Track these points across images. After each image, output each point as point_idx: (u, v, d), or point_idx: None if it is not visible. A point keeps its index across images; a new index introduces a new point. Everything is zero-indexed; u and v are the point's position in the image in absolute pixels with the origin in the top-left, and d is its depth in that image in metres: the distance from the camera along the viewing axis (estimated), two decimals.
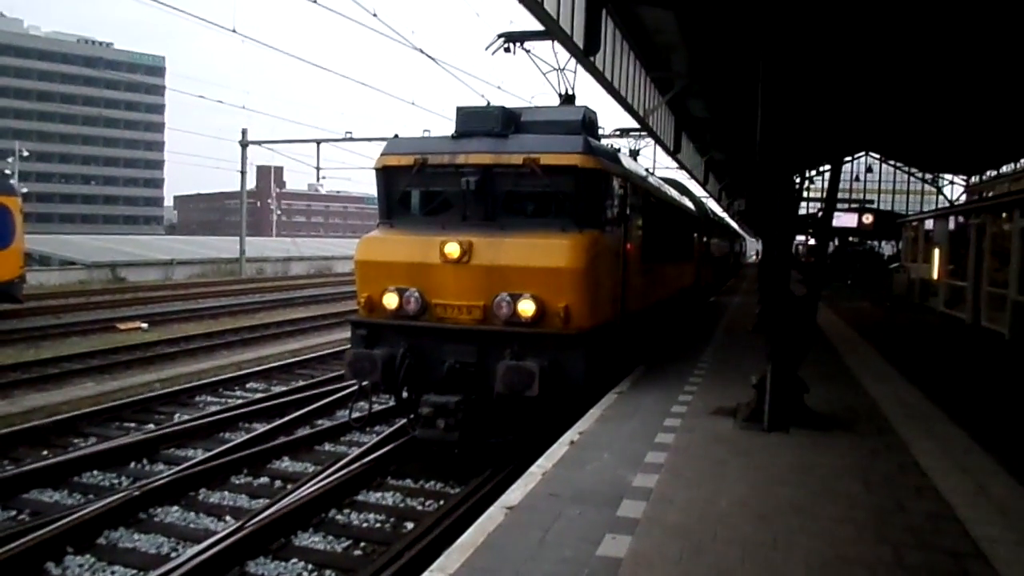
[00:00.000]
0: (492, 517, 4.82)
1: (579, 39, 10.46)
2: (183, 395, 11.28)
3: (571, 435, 6.73)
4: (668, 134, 20.07)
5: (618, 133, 19.19)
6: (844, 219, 33.67)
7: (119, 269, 34.76)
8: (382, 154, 8.62)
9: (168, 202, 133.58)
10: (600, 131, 10.58)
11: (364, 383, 7.96)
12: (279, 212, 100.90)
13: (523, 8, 8.88)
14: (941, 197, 38.08)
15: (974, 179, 33.82)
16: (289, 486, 7.26)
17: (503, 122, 8.32)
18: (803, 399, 7.45)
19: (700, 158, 27.79)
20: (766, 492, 5.37)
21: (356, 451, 8.31)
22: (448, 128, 8.76)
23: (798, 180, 15.13)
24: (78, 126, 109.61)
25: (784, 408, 7.19)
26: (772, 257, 7.81)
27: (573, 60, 10.87)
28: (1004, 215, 16.53)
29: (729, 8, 10.39)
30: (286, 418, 9.76)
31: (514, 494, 5.23)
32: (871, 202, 42.52)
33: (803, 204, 30.44)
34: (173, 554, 5.85)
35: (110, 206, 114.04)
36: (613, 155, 9.19)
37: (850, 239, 36.99)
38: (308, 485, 7.11)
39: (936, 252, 22.56)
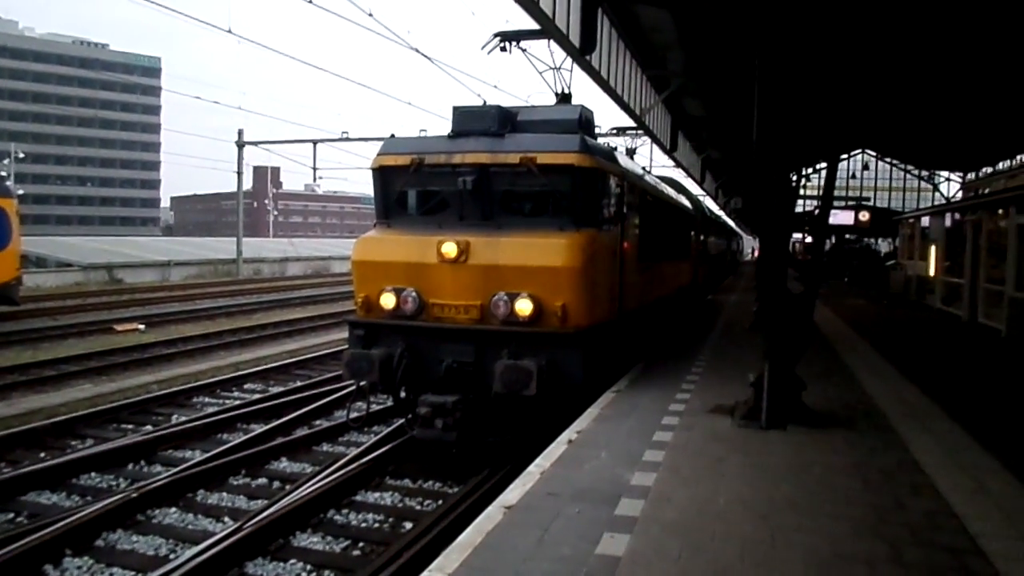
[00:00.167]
0: (490, 516, 4.81)
1: (575, 38, 10.46)
2: (181, 396, 11.26)
3: (569, 434, 6.73)
4: (664, 132, 20.09)
5: (615, 132, 19.15)
6: (841, 217, 33.79)
7: (116, 270, 34.62)
8: (379, 154, 8.62)
9: (165, 203, 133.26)
10: (597, 130, 10.58)
11: (362, 383, 7.96)
12: (276, 213, 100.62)
13: (519, 7, 8.88)
14: (937, 194, 38.20)
15: (970, 176, 33.91)
16: (287, 487, 7.25)
17: (499, 121, 8.31)
18: (801, 397, 7.46)
19: (697, 156, 27.81)
20: (764, 490, 5.38)
21: (354, 451, 8.30)
22: (445, 128, 8.77)
23: (795, 178, 15.17)
24: (74, 127, 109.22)
25: (782, 406, 7.20)
26: (769, 255, 7.83)
27: (569, 59, 10.86)
28: (1000, 212, 16.55)
29: (725, 6, 10.41)
30: (284, 419, 9.75)
31: (512, 493, 5.22)
32: (867, 199, 42.64)
33: (800, 202, 30.44)
34: (172, 555, 5.84)
35: (106, 207, 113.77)
36: (610, 154, 9.18)
37: (847, 236, 37.10)
38: (306, 486, 7.10)
39: (932, 249, 22.62)
